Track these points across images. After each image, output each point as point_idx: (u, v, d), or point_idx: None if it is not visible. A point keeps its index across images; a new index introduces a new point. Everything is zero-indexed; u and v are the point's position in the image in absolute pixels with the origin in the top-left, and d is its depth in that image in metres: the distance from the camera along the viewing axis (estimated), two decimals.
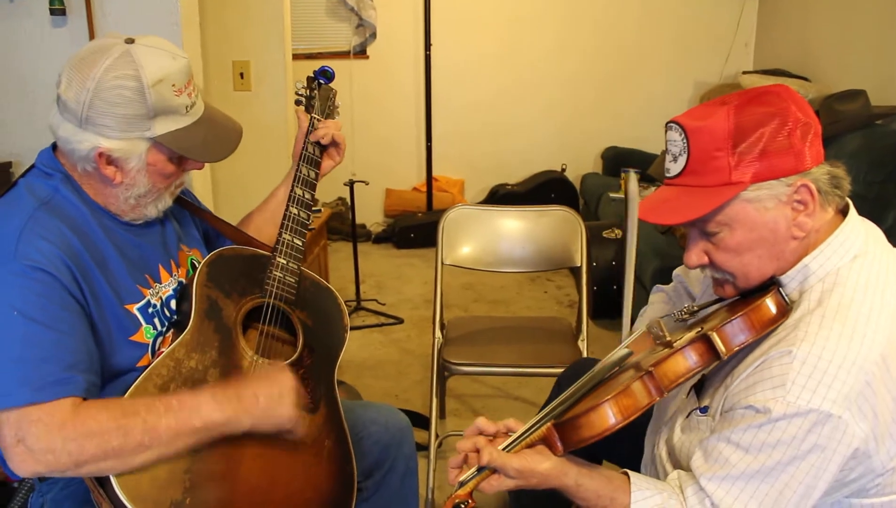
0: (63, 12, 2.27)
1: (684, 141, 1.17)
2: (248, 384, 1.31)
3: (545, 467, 1.17)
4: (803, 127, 1.14)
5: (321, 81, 1.68)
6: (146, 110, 1.27)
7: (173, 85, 1.29)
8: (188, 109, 1.33)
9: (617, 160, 5.15)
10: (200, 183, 2.41)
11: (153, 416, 1.20)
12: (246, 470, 1.31)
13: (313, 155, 1.60)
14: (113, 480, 1.18)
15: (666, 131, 1.22)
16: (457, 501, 1.16)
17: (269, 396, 1.30)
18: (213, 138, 1.38)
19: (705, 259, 1.22)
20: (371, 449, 1.61)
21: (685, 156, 1.17)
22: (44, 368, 1.16)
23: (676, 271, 1.63)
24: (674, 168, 1.20)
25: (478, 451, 1.20)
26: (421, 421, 2.57)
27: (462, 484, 1.19)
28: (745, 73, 4.88)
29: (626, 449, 1.48)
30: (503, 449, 1.20)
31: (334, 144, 1.64)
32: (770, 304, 1.17)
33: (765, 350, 1.16)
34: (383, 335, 3.72)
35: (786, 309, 1.18)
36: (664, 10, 5.34)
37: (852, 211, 1.23)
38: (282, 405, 1.31)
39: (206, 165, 2.38)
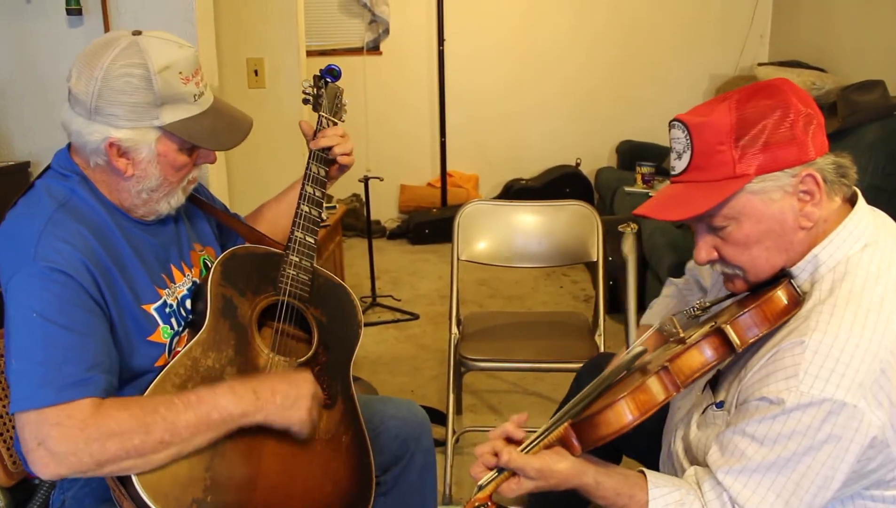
0: (79, 12, 2.28)
1: (687, 138, 1.18)
2: (267, 381, 1.32)
3: (564, 466, 1.16)
4: (805, 118, 1.14)
5: (328, 80, 1.68)
6: (154, 97, 1.27)
7: (180, 73, 1.30)
8: (196, 98, 1.34)
9: (632, 154, 5.12)
10: (216, 180, 2.41)
11: (172, 413, 1.20)
12: (266, 467, 1.32)
13: (323, 154, 1.61)
14: (135, 479, 1.18)
15: (670, 130, 1.22)
16: (476, 504, 1.16)
17: (286, 397, 1.31)
18: (223, 127, 1.39)
19: (714, 254, 1.23)
20: (390, 444, 1.61)
21: (689, 152, 1.18)
22: (65, 369, 1.16)
23: (689, 266, 1.63)
24: (679, 165, 1.21)
25: (496, 454, 1.20)
26: (437, 417, 2.57)
27: (481, 488, 1.19)
28: (760, 64, 4.84)
29: (644, 448, 1.47)
30: (520, 451, 1.19)
31: (340, 166, 1.63)
32: (782, 295, 1.17)
33: (777, 341, 1.15)
34: (399, 331, 3.73)
35: (798, 300, 1.17)
36: (678, 2, 5.30)
37: (861, 200, 1.22)
38: (295, 409, 1.32)
39: (222, 161, 2.40)
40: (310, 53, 3.66)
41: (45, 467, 1.15)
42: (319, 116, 1.63)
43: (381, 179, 4.05)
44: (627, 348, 1.57)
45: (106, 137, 1.28)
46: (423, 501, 1.67)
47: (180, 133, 1.32)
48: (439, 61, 5.34)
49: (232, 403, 1.25)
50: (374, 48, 5.35)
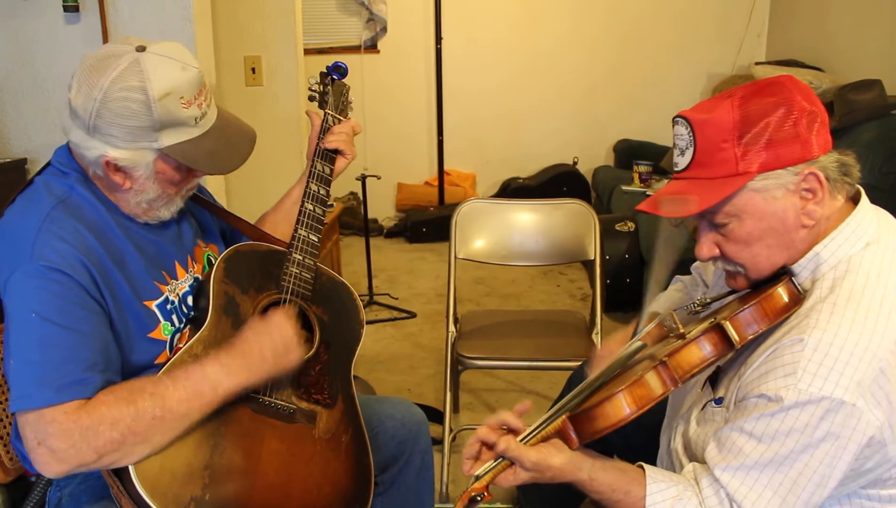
0: (76, 9, 2.28)
1: (690, 134, 1.18)
2: (251, 342, 1.32)
3: (559, 461, 1.17)
4: (809, 116, 1.14)
5: (334, 77, 1.68)
6: (152, 123, 1.26)
7: (181, 98, 1.27)
8: (197, 121, 1.32)
9: (629, 153, 5.13)
10: (214, 179, 2.41)
11: (161, 389, 1.21)
12: (264, 465, 1.31)
13: (328, 151, 1.60)
14: (133, 476, 1.18)
15: (673, 126, 1.22)
16: (473, 494, 1.17)
17: (275, 352, 1.33)
18: (223, 148, 1.37)
19: (716, 251, 1.23)
20: (387, 444, 1.61)
21: (692, 149, 1.18)
22: (63, 369, 1.16)
23: (695, 265, 1.63)
24: (681, 162, 1.21)
25: (495, 442, 1.20)
26: (434, 415, 2.57)
27: (478, 478, 1.19)
28: (757, 63, 4.85)
29: (640, 445, 1.47)
30: (518, 441, 1.20)
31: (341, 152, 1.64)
32: (782, 292, 1.17)
33: (777, 339, 1.15)
34: (396, 330, 3.72)
35: (798, 297, 1.17)
36: (675, 2, 5.31)
37: (864, 198, 1.22)
38: (288, 356, 1.35)
39: None
40: (307, 52, 3.66)
41: (47, 465, 1.15)
42: (326, 113, 1.63)
43: (379, 178, 4.05)
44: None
45: (102, 155, 1.26)
46: (420, 501, 1.68)
47: (178, 157, 1.30)
48: (437, 60, 5.33)
49: (223, 375, 1.26)
50: (371, 46, 5.35)
